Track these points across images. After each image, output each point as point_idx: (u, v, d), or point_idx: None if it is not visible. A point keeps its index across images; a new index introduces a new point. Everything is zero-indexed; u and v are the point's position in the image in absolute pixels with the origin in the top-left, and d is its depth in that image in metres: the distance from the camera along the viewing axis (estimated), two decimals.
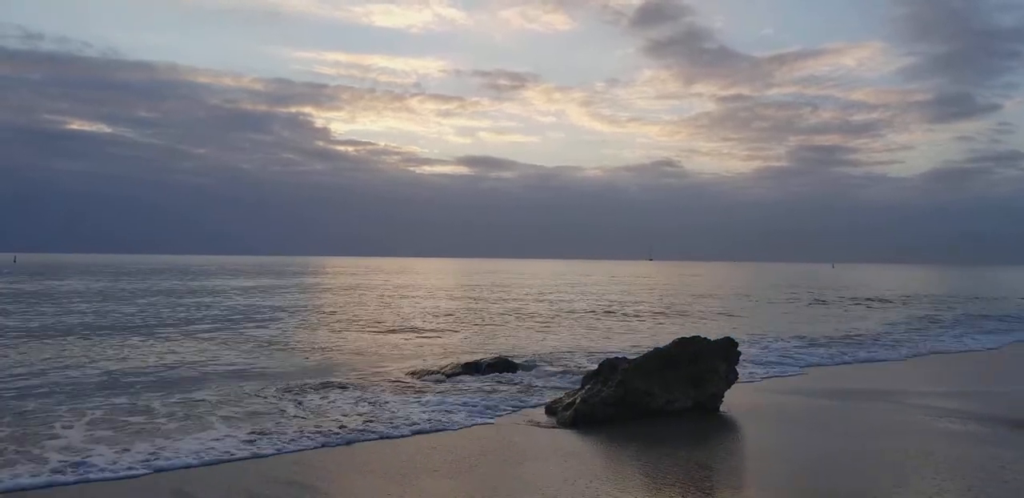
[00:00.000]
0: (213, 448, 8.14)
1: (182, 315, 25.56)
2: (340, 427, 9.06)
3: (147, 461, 7.59)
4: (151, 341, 17.94)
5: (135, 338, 18.58)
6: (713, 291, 50.76)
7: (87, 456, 7.71)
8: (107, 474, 7.17)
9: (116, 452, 7.92)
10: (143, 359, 14.89)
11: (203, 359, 15.06)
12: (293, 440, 8.50)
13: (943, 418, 10.02)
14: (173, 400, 10.84)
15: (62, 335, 18.84)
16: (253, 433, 8.80)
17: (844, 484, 6.97)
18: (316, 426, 9.16)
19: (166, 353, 15.84)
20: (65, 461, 7.50)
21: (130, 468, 7.35)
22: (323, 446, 8.33)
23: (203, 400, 10.86)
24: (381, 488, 6.79)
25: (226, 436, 8.68)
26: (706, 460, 7.85)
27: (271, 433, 8.79)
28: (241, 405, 10.52)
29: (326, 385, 12.02)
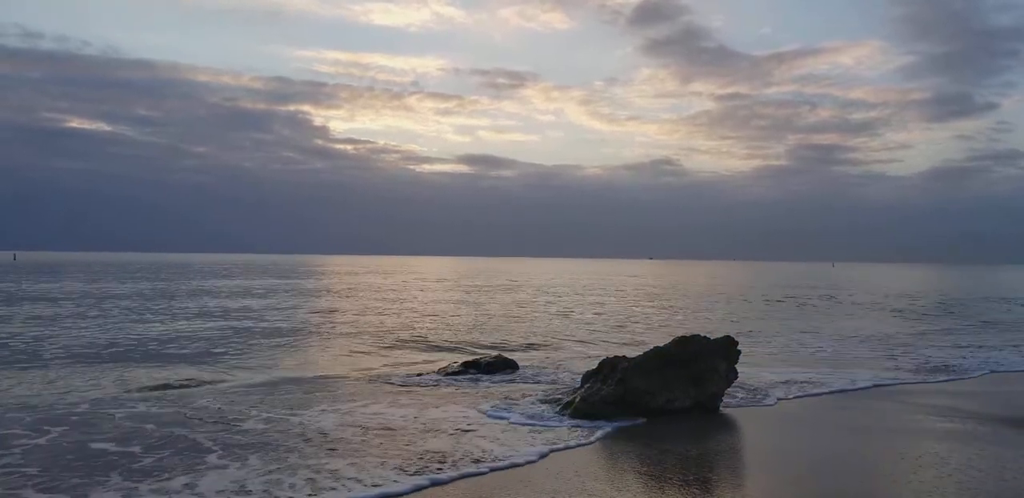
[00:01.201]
0: None
1: (173, 318, 25.53)
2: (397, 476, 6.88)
3: None
4: (133, 345, 17.38)
5: (113, 340, 18.52)
6: (725, 291, 50.72)
7: None
8: None
9: None
10: (117, 365, 13.76)
11: (195, 364, 14.36)
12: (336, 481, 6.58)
13: (943, 417, 10.01)
14: (148, 419, 9.07)
15: (33, 341, 18.25)
16: (270, 472, 6.81)
17: (843, 483, 6.97)
18: (355, 461, 7.27)
19: (150, 357, 15.27)
20: None
21: None
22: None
23: (187, 415, 9.36)
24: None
25: (240, 483, 6.47)
26: (706, 459, 7.84)
27: (284, 469, 6.98)
28: (238, 425, 8.88)
29: (333, 395, 10.94)
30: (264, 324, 22.25)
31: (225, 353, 15.88)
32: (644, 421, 9.54)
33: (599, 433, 8.90)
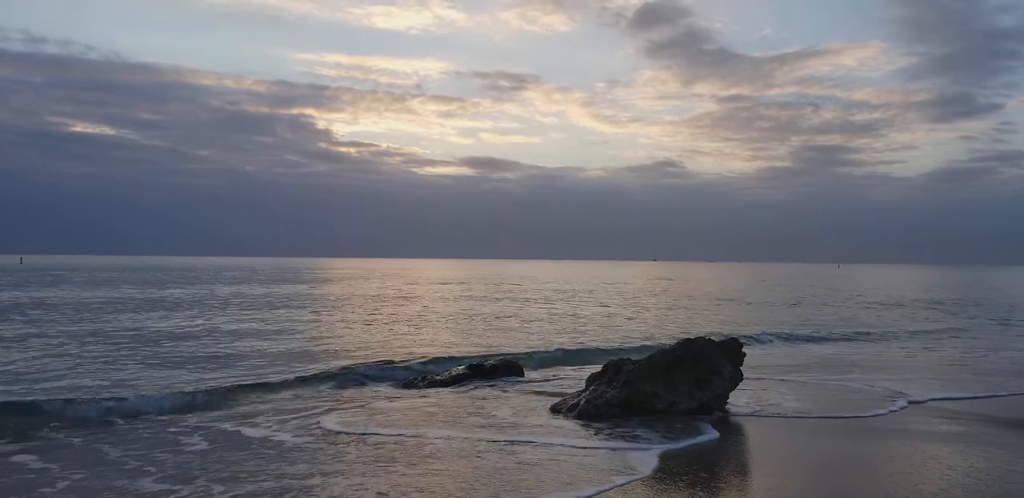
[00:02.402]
0: None
1: (164, 323, 25.53)
2: None
3: None
4: (90, 353, 16.37)
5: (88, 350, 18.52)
6: (730, 292, 50.59)
7: None
8: None
9: None
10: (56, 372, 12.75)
11: (166, 372, 13.54)
12: None
13: (945, 418, 10.02)
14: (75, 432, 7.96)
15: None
16: None
17: (845, 484, 6.99)
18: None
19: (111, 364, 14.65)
20: None
21: None
22: None
23: (122, 428, 8.38)
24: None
25: None
26: (710, 461, 7.86)
27: None
28: (183, 439, 7.83)
29: (321, 404, 10.57)
30: (261, 327, 22.21)
31: (211, 357, 15.26)
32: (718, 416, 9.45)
33: (658, 450, 8.23)
